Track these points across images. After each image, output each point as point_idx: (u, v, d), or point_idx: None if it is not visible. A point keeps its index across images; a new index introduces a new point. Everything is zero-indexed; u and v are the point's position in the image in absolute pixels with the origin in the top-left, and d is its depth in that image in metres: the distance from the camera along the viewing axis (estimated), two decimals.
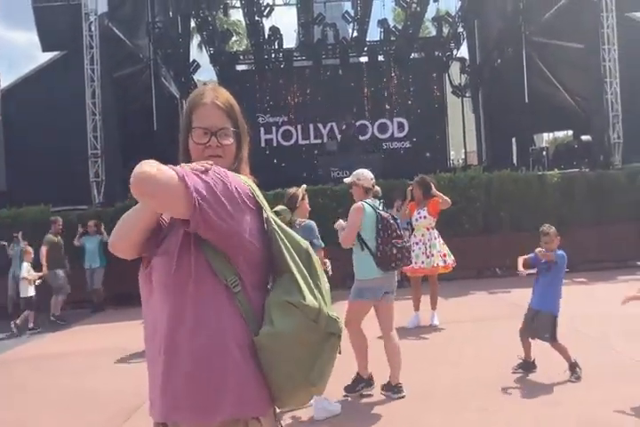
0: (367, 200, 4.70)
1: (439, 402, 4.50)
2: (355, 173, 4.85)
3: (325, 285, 1.66)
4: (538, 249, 4.90)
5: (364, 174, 4.81)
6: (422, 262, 6.98)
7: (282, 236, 1.63)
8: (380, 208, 4.71)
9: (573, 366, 4.64)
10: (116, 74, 13.79)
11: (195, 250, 1.57)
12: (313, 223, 4.63)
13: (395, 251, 4.51)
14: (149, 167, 1.47)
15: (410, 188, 7.12)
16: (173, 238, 1.62)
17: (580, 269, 9.50)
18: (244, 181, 1.63)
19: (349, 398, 4.63)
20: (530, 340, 4.99)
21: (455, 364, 5.44)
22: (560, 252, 4.89)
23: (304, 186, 4.74)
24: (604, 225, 10.69)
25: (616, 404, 4.06)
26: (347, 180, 4.88)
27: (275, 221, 1.65)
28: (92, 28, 12.23)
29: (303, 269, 1.62)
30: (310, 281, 1.61)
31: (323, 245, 4.65)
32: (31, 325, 8.94)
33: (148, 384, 1.65)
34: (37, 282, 9.08)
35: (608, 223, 10.73)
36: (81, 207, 11.38)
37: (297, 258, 1.62)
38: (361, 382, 4.70)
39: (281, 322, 1.55)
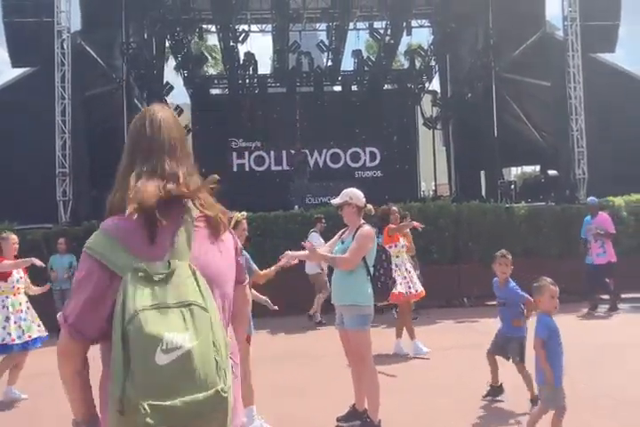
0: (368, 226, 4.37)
1: None
2: (344, 192, 4.44)
3: None
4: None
5: (356, 193, 4.41)
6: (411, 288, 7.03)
7: None
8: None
9: (535, 400, 4.64)
10: (88, 93, 13.64)
11: None
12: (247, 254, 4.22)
13: (395, 285, 4.44)
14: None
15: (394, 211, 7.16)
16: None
17: None
18: None
19: None
20: (496, 363, 5.03)
21: (422, 391, 5.39)
22: (511, 285, 4.91)
23: (243, 213, 4.43)
24: (569, 257, 10.83)
25: None
26: (336, 201, 4.44)
27: None
28: (65, 46, 12.10)
29: None
30: None
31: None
32: None
33: None
34: None
35: (572, 256, 10.88)
36: (46, 226, 11.07)
37: None
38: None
39: None
